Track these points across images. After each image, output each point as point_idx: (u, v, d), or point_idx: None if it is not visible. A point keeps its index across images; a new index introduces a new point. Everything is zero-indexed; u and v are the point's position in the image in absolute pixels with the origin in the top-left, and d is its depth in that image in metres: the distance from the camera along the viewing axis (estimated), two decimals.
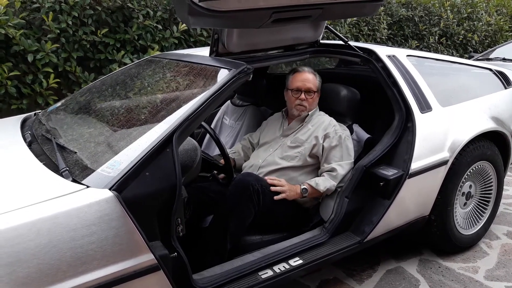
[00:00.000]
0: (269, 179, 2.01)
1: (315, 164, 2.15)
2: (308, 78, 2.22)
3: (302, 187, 2.03)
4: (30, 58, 2.91)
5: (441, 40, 6.19)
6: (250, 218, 1.89)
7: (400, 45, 5.68)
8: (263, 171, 2.12)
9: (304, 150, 2.12)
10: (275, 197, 1.95)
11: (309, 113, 2.22)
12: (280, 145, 2.20)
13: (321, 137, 2.12)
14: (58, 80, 3.08)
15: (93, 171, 1.44)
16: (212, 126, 2.82)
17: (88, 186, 1.35)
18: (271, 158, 2.15)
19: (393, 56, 2.26)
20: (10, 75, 2.86)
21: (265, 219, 1.98)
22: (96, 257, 1.29)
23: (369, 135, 2.33)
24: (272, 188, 1.97)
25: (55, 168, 1.49)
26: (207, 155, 2.08)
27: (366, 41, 5.11)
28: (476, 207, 2.56)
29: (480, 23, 6.61)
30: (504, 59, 4.76)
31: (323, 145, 2.11)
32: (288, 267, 1.81)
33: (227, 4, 1.67)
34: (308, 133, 2.16)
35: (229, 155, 2.15)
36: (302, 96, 2.19)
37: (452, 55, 6.21)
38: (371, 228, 2.02)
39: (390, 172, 2.02)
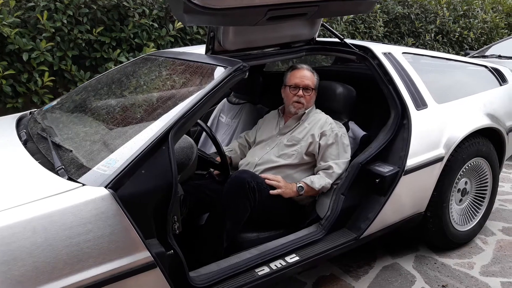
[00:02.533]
0: (266, 179, 2.01)
1: (311, 162, 2.15)
2: (306, 75, 2.22)
3: (298, 185, 2.03)
4: (25, 57, 2.90)
5: (437, 37, 6.20)
6: (246, 215, 1.89)
7: (396, 42, 5.69)
8: (260, 169, 2.12)
9: (300, 148, 2.13)
10: (271, 192, 1.96)
11: (306, 111, 2.23)
12: (277, 143, 2.20)
13: (317, 135, 2.12)
14: (54, 78, 3.07)
15: (89, 169, 1.44)
16: (209, 124, 2.81)
17: (84, 184, 1.35)
18: (268, 156, 2.16)
19: (389, 53, 2.27)
20: (5, 74, 2.86)
21: (262, 216, 1.98)
22: (92, 255, 1.29)
23: (365, 132, 2.33)
24: (267, 182, 1.98)
25: (50, 167, 1.49)
26: (204, 153, 2.08)
27: (362, 39, 5.12)
28: (472, 203, 2.57)
29: (476, 21, 6.63)
30: (500, 56, 4.78)
31: (319, 143, 2.12)
32: (285, 263, 1.81)
33: (222, 1, 1.66)
34: (304, 131, 2.17)
35: (226, 153, 2.15)
36: (300, 92, 2.20)
37: (448, 52, 6.22)
38: (367, 224, 2.03)
39: (385, 169, 2.02)
